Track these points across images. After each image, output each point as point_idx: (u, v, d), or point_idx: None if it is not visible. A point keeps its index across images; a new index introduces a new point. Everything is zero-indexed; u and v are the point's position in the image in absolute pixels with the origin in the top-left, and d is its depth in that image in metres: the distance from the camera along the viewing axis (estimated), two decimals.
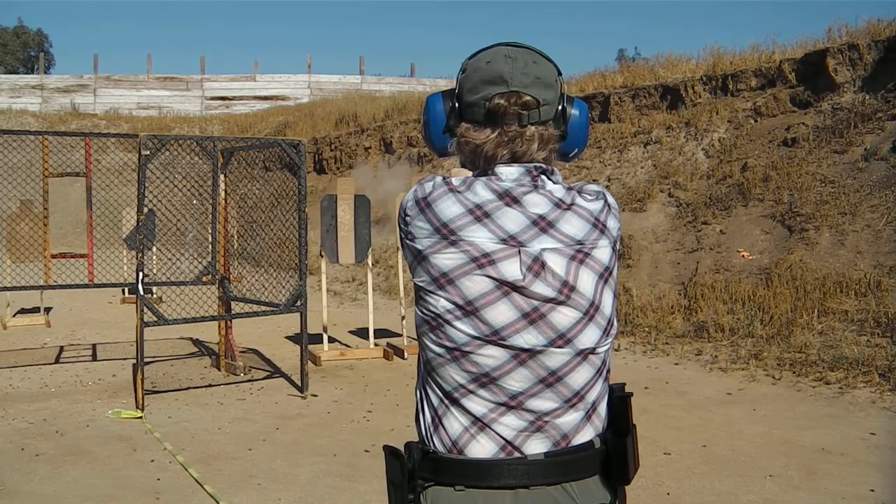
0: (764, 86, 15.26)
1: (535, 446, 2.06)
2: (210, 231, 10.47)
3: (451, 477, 2.07)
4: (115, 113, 35.17)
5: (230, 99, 37.02)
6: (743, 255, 12.29)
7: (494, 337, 2.01)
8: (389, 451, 2.15)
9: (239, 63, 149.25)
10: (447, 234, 2.03)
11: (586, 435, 2.12)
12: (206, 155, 10.43)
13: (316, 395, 9.09)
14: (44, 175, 10.92)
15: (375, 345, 11.45)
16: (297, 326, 9.68)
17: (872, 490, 6.01)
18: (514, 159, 2.12)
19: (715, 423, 7.82)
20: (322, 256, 11.55)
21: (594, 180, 16.38)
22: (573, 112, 2.22)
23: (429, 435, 2.12)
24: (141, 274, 8.42)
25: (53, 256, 11.16)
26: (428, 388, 2.14)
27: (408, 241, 2.13)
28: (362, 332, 12.51)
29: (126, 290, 16.51)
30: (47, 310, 14.68)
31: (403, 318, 11.69)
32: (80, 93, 36.37)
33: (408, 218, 2.13)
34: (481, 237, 2.01)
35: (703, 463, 6.69)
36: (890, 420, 7.69)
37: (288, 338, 12.39)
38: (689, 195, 14.29)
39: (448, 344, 2.05)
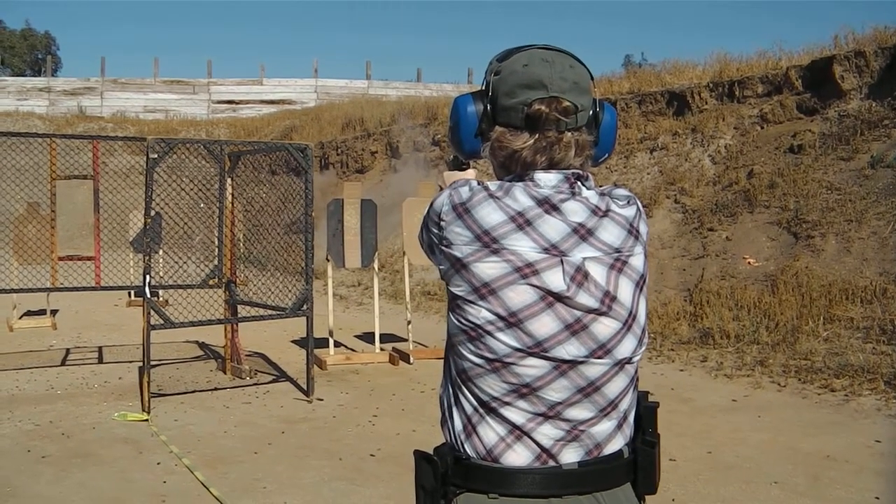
0: (770, 92, 15.26)
1: (570, 455, 2.05)
2: (216, 234, 10.50)
3: (486, 484, 2.05)
4: (121, 116, 35.20)
5: (237, 103, 37.05)
6: (749, 262, 12.29)
7: (537, 349, 1.99)
8: (421, 456, 2.13)
9: (246, 67, 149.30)
10: (489, 242, 1.99)
11: (617, 444, 2.12)
12: (213, 158, 10.44)
13: (321, 400, 9.10)
14: (51, 177, 10.96)
15: (381, 349, 11.46)
16: (302, 330, 9.69)
17: (877, 498, 6.01)
18: (551, 165, 2.09)
19: (720, 430, 7.83)
20: (328, 261, 11.56)
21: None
22: (605, 117, 2.19)
23: (460, 442, 2.10)
24: (147, 277, 8.44)
25: (61, 259, 11.21)
26: (461, 395, 2.11)
27: (443, 248, 2.08)
28: (368, 337, 12.51)
29: (132, 292, 16.50)
30: (53, 312, 14.66)
31: (409, 322, 11.70)
32: (87, 95, 36.43)
33: (443, 223, 2.08)
34: (524, 246, 1.98)
35: (709, 469, 6.69)
36: (895, 428, 7.69)
37: (294, 342, 12.39)
38: (695, 201, 14.29)
39: (488, 355, 2.01)
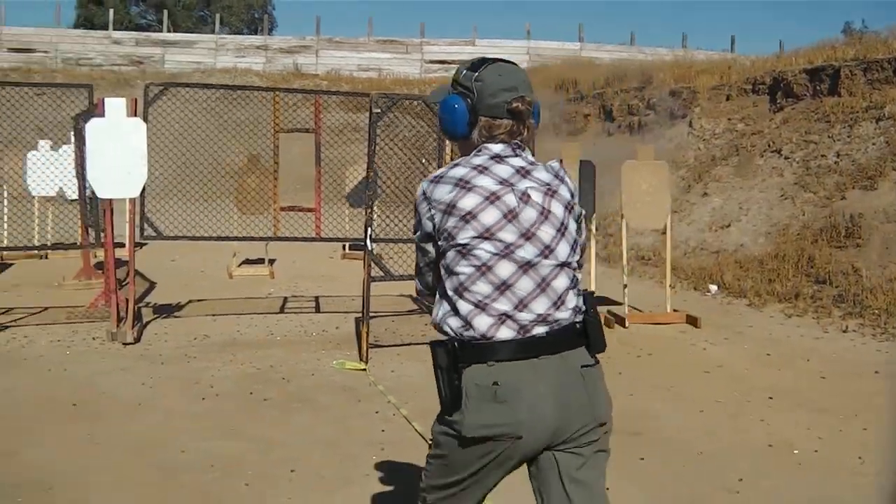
0: None
1: (540, 329, 2.98)
2: None
3: (485, 356, 2.93)
4: (336, 74, 35.74)
5: (449, 63, 37.18)
6: None
7: (507, 251, 2.95)
8: (436, 343, 2.99)
9: (458, 28, 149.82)
10: (463, 185, 2.99)
11: (570, 321, 3.05)
12: (429, 117, 10.48)
13: None
14: (275, 130, 11.21)
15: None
16: None
17: None
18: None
19: None
20: None
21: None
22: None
23: (459, 334, 2.97)
24: (369, 230, 8.54)
25: (282, 209, 11.45)
26: (457, 303, 2.98)
27: (434, 204, 3.02)
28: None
29: (347, 245, 16.76)
30: (271, 261, 14.99)
31: (626, 286, 11.46)
32: (303, 54, 37.12)
33: (427, 192, 3.05)
34: (487, 182, 3.00)
35: None
36: None
37: None
38: None
39: (476, 262, 2.95)
